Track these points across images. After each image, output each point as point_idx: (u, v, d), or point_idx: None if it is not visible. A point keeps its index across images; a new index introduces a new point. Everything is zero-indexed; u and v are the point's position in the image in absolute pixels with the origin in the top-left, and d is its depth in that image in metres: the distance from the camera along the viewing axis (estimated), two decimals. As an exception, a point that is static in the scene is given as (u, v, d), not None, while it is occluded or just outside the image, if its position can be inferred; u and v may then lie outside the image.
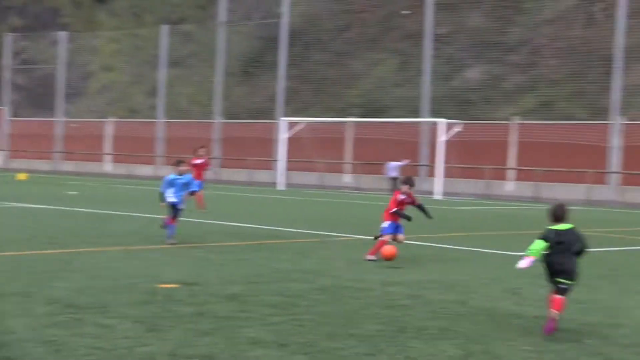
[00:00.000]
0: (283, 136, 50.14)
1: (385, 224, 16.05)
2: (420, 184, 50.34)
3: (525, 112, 49.83)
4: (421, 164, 50.80)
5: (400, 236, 16.07)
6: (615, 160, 44.54)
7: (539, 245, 9.94)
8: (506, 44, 52.83)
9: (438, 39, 53.58)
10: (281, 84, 57.44)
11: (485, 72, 53.14)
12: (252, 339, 8.97)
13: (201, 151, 27.97)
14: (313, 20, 61.50)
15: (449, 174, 46.92)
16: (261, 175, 56.45)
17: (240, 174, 57.38)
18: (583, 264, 10.90)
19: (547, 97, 49.81)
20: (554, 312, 9.70)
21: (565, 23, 50.97)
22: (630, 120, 44.98)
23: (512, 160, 48.16)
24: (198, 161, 27.34)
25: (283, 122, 51.44)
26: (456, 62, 54.34)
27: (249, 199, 28.04)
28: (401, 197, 15.98)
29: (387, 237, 15.97)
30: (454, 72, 54.21)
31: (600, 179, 43.80)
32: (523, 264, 10.09)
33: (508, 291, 12.77)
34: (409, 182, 16.28)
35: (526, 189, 45.97)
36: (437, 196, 42.40)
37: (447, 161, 45.66)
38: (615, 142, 44.50)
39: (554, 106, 49.20)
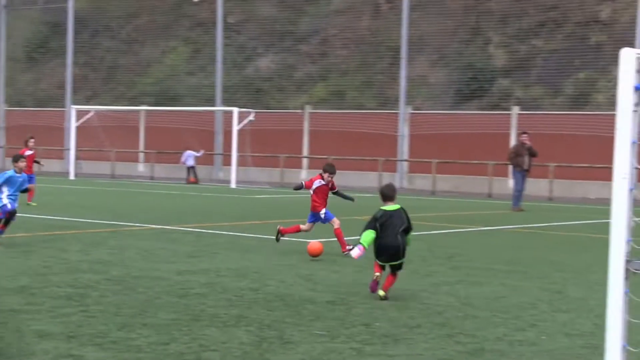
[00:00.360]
0: (73, 125, 48.75)
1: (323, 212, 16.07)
2: (216, 172, 50.35)
3: (317, 101, 50.67)
4: (217, 152, 50.70)
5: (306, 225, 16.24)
6: (404, 149, 46.04)
7: (369, 236, 10.38)
8: (297, 33, 53.51)
9: (229, 27, 53.59)
10: (69, 71, 55.79)
11: (277, 62, 53.62)
12: (40, 332, 8.65)
13: (31, 142, 26.58)
14: (101, 6, 60.10)
15: (244, 162, 47.08)
16: (52, 165, 54.71)
17: (28, 164, 55.34)
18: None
19: (337, 87, 50.85)
20: (382, 293, 10.08)
21: (354, 14, 52.14)
22: (415, 110, 46.59)
23: (305, 148, 48.88)
24: (29, 152, 25.96)
25: (72, 110, 50.00)
26: (248, 51, 54.54)
27: (39, 190, 27.03)
28: (321, 182, 16.11)
29: (307, 226, 16.14)
30: (247, 61, 54.39)
31: (390, 166, 45.15)
32: (355, 253, 10.43)
33: (302, 277, 12.92)
34: (330, 169, 16.46)
35: (319, 176, 46.76)
36: (233, 185, 42.44)
37: (242, 150, 45.79)
38: (403, 130, 45.99)
39: (344, 95, 50.28)
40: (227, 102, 51.29)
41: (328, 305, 10.69)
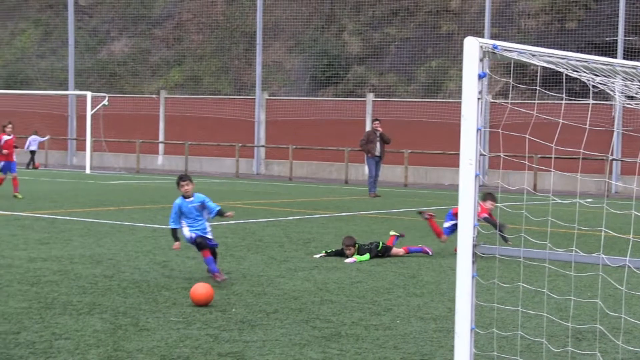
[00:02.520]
0: None
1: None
2: (70, 158, 49.20)
3: (172, 86, 50.11)
4: (70, 137, 49.53)
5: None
6: (260, 135, 46.03)
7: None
8: (151, 17, 52.73)
9: (81, 9, 52.35)
10: None
11: (131, 46, 52.70)
12: None
13: (9, 127, 24.62)
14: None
15: (99, 148, 46.16)
16: None
17: None
18: (230, 236, 11.16)
19: (193, 72, 50.40)
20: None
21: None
22: (271, 96, 46.67)
23: (161, 134, 48.29)
24: (6, 137, 24.45)
25: None
26: (101, 34, 53.43)
27: None
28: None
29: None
30: (100, 45, 53.28)
31: (247, 152, 45.08)
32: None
33: (157, 264, 12.78)
34: (491, 197, 14.88)
35: (176, 162, 46.32)
36: (87, 170, 41.56)
37: (96, 135, 44.87)
38: (260, 116, 45.98)
39: (200, 81, 49.89)
40: (80, 86, 50.13)
41: (184, 291, 10.61)
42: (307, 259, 13.83)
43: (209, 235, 11.66)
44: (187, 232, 11.56)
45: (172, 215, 11.55)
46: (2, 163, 24.18)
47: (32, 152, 44.66)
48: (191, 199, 11.59)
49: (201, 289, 9.81)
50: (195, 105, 47.51)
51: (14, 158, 24.56)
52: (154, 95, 48.77)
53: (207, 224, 11.73)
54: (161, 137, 48.14)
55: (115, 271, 11.97)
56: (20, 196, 23.56)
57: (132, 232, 16.58)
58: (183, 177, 11.66)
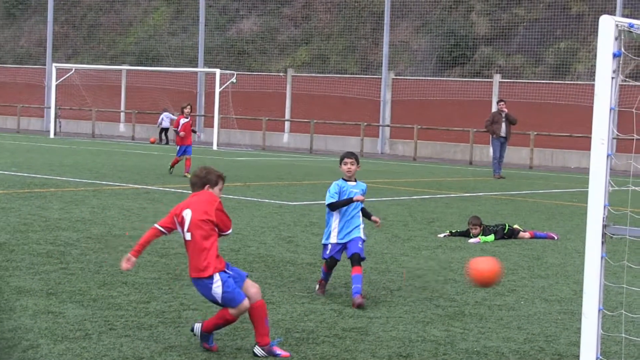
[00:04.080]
0: (53, 83, 48.39)
1: None
2: (197, 134, 50.17)
3: (299, 64, 50.49)
4: (198, 114, 50.55)
5: None
6: (386, 114, 46.01)
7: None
8: (281, -4, 53.24)
9: (213, -12, 53.23)
10: (50, 29, 55.24)
11: (260, 24, 53.32)
12: (19, 288, 8.66)
13: (187, 109, 23.95)
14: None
15: (226, 125, 46.94)
16: (32, 123, 54.53)
17: (9, 121, 55.07)
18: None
19: (320, 51, 50.66)
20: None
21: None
22: (397, 76, 46.53)
23: (287, 112, 48.77)
24: (184, 120, 23.96)
25: (53, 68, 49.60)
26: (231, 12, 54.20)
27: (19, 147, 26.89)
28: None
29: None
30: (229, 23, 54.06)
31: (372, 131, 45.11)
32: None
33: (282, 239, 12.96)
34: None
35: (302, 140, 46.72)
36: (215, 147, 42.36)
37: (224, 112, 45.65)
38: (385, 96, 45.94)
39: (327, 59, 50.11)
40: (209, 63, 51.03)
41: (308, 267, 10.75)
42: (431, 238, 13.81)
43: (360, 242, 9.11)
44: (333, 237, 9.11)
45: (331, 194, 9.10)
46: (179, 147, 24.03)
47: (164, 130, 45.74)
48: (354, 183, 9.26)
49: (486, 264, 7.63)
50: (322, 84, 47.76)
51: (191, 141, 24.11)
52: (281, 74, 49.25)
53: (362, 225, 9.24)
54: (287, 115, 48.60)
55: (242, 245, 12.20)
56: (189, 176, 23.00)
57: (258, 208, 16.85)
58: (349, 154, 9.33)
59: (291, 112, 48.56)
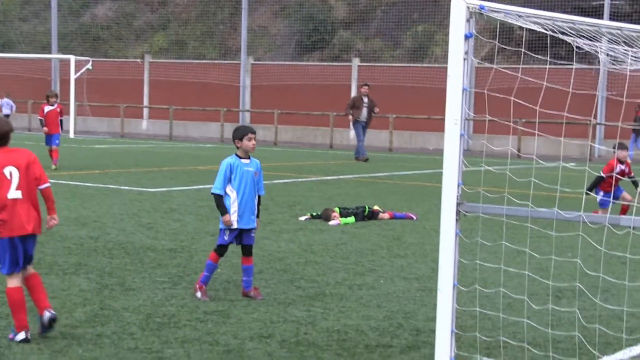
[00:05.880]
0: None
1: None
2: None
3: (157, 51, 49.85)
4: (52, 102, 49.26)
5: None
6: (245, 99, 45.93)
7: None
8: (137, -19, 52.40)
9: (65, -28, 51.95)
10: None
11: (115, 9, 52.35)
12: None
13: (53, 99, 23.12)
14: None
15: (82, 112, 46.00)
16: None
17: None
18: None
19: (178, 36, 50.15)
20: None
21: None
22: (256, 61, 46.52)
23: (145, 98, 48.14)
24: (49, 108, 22.69)
25: None
26: (85, -3, 53.06)
27: None
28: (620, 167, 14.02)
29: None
30: (83, 8, 52.88)
31: (232, 117, 44.96)
32: None
33: (142, 226, 12.82)
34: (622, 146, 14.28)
35: (161, 127, 46.20)
36: (71, 134, 41.41)
37: (80, 99, 44.68)
38: (245, 81, 45.88)
39: (185, 45, 49.65)
40: (63, 50, 49.80)
41: (169, 252, 10.67)
42: (292, 221, 13.90)
43: (254, 231, 8.65)
44: (233, 220, 8.40)
45: (218, 178, 8.45)
46: (46, 136, 22.84)
47: (6, 116, 44.47)
48: (247, 161, 8.53)
49: None
50: (180, 70, 47.32)
51: (58, 130, 22.89)
52: (138, 60, 48.54)
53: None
54: (145, 102, 47.97)
55: (101, 233, 12.01)
56: (53, 167, 21.96)
57: (117, 195, 16.59)
58: (252, 128, 8.62)
59: (149, 99, 47.96)
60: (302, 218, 14.17)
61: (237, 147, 8.51)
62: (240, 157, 8.48)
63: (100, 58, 47.89)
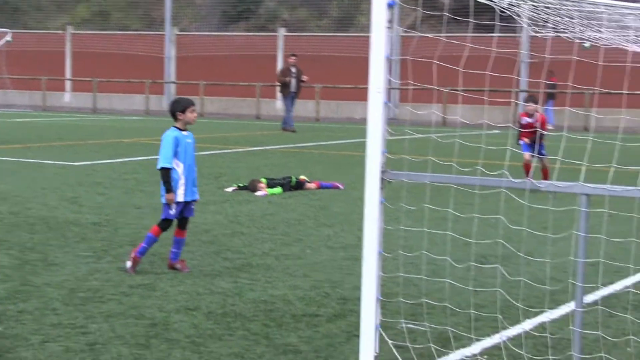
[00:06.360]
0: None
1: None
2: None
3: (79, 22, 49.00)
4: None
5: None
6: (171, 71, 45.46)
7: None
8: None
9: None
10: None
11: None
12: None
13: None
14: None
15: (3, 85, 45.10)
16: None
17: None
18: (140, 172, 11.03)
19: (101, 7, 49.35)
20: None
21: None
22: (181, 32, 46.04)
23: (68, 71, 47.33)
24: None
25: None
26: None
27: None
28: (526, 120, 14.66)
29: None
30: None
31: (158, 89, 44.49)
32: None
33: (66, 200, 12.62)
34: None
35: (84, 99, 45.50)
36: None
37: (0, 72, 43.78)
38: (170, 52, 45.37)
39: (109, 16, 48.91)
40: (-18, 21, 48.66)
41: (94, 226, 10.53)
42: (219, 193, 13.83)
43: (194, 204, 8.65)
44: (180, 195, 8.31)
45: (166, 152, 8.28)
46: None
47: None
48: (186, 133, 8.47)
49: None
50: (104, 41, 46.61)
51: None
52: (60, 32, 47.64)
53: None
54: (68, 74, 47.18)
55: (22, 208, 11.79)
56: None
57: (40, 170, 16.32)
58: (192, 101, 8.57)
59: (72, 71, 47.17)
60: (229, 189, 14.11)
61: (177, 120, 8.40)
62: (180, 130, 8.40)
63: (20, 30, 46.90)
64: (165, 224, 8.38)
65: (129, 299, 7.27)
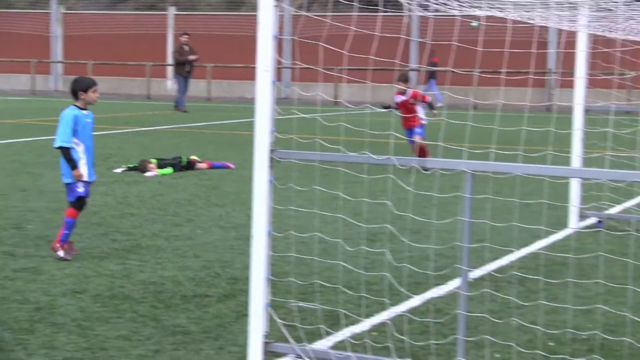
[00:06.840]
0: None
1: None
2: None
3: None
4: None
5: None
6: (57, 50, 44.47)
7: None
8: None
9: None
10: None
11: None
12: None
13: None
14: None
15: None
16: None
17: None
18: (26, 153, 10.78)
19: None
20: None
21: None
22: (68, 10, 45.07)
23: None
24: None
25: None
26: None
27: None
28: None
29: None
30: None
31: (44, 68, 43.46)
32: None
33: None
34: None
35: (-34, 80, 44.18)
36: None
37: None
38: (56, 31, 44.38)
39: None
40: None
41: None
42: (108, 173, 13.60)
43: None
44: (84, 171, 8.12)
45: (64, 130, 8.11)
46: None
47: None
48: (86, 112, 8.34)
49: None
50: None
51: None
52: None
53: None
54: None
55: None
56: None
57: None
58: (94, 81, 8.60)
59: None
60: (118, 170, 13.91)
61: (78, 99, 8.25)
62: (80, 109, 8.23)
63: None
64: (79, 204, 8.16)
65: (12, 283, 7.11)
